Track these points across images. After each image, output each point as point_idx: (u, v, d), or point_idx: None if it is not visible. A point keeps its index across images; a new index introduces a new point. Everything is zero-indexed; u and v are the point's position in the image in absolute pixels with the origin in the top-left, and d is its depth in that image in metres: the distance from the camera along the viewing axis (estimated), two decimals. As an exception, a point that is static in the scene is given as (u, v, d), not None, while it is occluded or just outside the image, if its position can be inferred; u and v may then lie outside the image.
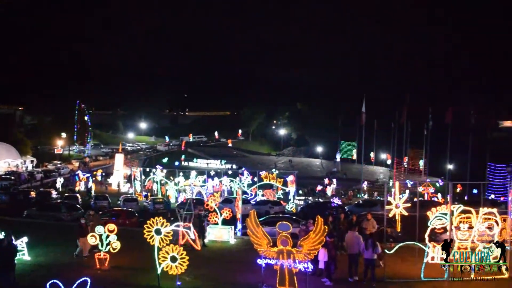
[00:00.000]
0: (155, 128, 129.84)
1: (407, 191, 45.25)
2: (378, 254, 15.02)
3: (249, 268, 15.63)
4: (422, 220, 15.73)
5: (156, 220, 14.49)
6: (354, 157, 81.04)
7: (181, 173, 50.12)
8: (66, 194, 40.20)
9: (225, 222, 22.32)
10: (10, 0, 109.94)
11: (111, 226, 16.33)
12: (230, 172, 56.08)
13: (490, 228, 15.58)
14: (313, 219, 13.79)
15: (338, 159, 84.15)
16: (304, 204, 39.30)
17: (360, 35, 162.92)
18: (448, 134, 53.31)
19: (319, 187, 53.05)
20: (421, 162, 65.50)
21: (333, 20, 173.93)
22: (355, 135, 72.52)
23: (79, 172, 53.20)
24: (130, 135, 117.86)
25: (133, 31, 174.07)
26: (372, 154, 79.53)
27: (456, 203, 19.57)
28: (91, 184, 47.88)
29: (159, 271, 14.23)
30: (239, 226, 23.36)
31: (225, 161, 79.93)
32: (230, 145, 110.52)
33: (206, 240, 20.88)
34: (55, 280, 11.45)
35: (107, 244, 16.24)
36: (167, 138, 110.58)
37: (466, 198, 43.89)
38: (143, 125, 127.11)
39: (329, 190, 51.24)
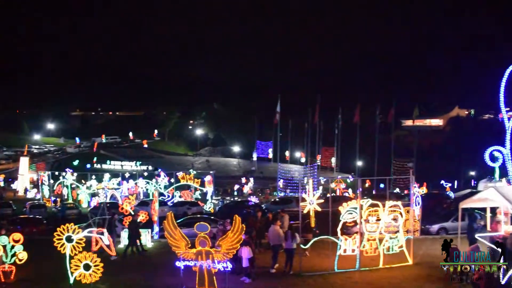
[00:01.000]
0: (64, 129, 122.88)
1: (321, 187, 47.16)
2: (297, 244, 15.93)
3: (167, 271, 15.39)
4: (334, 215, 16.50)
5: (67, 227, 13.76)
6: (270, 156, 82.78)
7: (93, 176, 48.18)
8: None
9: (141, 225, 21.69)
10: None
11: (16, 236, 15.22)
12: (146, 173, 54.73)
13: (395, 219, 16.77)
14: (231, 218, 13.91)
15: (254, 158, 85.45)
16: (222, 204, 39.46)
17: (275, 35, 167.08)
18: (357, 133, 56.35)
19: (237, 186, 53.54)
20: (333, 160, 68.63)
21: (247, 20, 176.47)
22: (271, 134, 74.17)
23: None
24: (36, 137, 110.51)
25: (43, 27, 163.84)
26: (287, 153, 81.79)
27: (365, 197, 20.77)
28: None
29: (71, 281, 13.52)
30: (156, 229, 22.89)
31: (140, 162, 77.93)
32: (145, 146, 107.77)
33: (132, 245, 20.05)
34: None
35: (12, 256, 15.10)
36: (77, 140, 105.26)
37: (374, 192, 46.65)
38: (50, 125, 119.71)
39: (246, 189, 51.89)
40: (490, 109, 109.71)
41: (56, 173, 48.78)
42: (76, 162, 73.33)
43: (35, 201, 39.94)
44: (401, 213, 16.83)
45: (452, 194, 41.69)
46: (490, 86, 13.93)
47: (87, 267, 13.14)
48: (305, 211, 16.73)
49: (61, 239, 13.71)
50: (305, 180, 45.23)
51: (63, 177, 44.87)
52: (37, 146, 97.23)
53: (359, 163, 64.79)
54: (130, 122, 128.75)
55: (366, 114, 66.26)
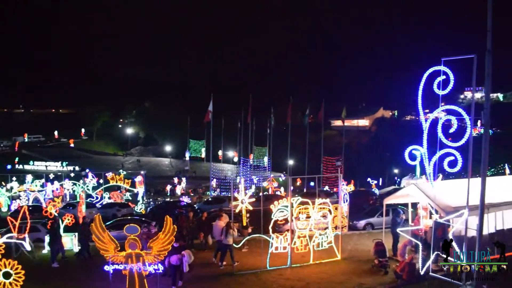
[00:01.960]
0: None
1: (253, 186, 47.60)
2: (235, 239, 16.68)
3: (96, 276, 14.83)
4: (266, 213, 16.73)
5: (-16, 233, 12.83)
6: (203, 155, 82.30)
7: (14, 178, 45.36)
8: None
9: (67, 229, 20.66)
10: None
11: None
12: (72, 174, 52.33)
13: (324, 216, 17.32)
14: (163, 219, 13.65)
15: (187, 158, 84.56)
16: (153, 205, 38.68)
17: (209, 33, 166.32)
18: (289, 132, 57.42)
19: (169, 187, 52.69)
20: (265, 159, 69.50)
21: (180, 17, 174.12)
22: (204, 133, 73.72)
23: None
24: None
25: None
26: (220, 152, 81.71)
27: (296, 195, 21.26)
28: None
29: (-12, 290, 12.60)
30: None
31: (66, 163, 74.48)
32: (72, 145, 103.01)
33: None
34: None
35: None
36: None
37: (305, 190, 47.84)
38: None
39: (179, 189, 51.22)
40: (412, 110, 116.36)
41: (-29, 175, 45.44)
42: (-5, 163, 68.65)
43: None
44: (330, 210, 17.40)
45: (377, 191, 43.75)
46: (411, 88, 14.72)
47: (7, 275, 12.31)
48: (237, 210, 16.84)
49: (-23, 246, 12.74)
50: (238, 179, 45.46)
51: (-20, 179, 41.90)
52: None
53: (291, 162, 66.07)
54: (55, 120, 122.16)
55: (297, 114, 67.83)
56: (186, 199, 37.42)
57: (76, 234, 20.60)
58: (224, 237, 16.50)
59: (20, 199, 37.58)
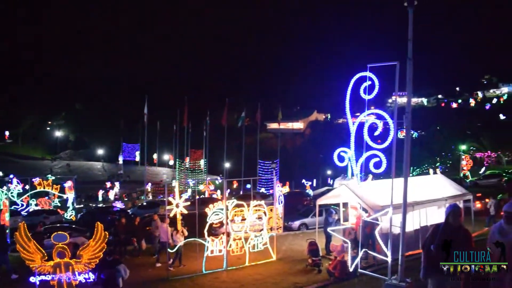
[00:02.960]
0: None
1: (189, 189, 47.20)
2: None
3: None
4: (202, 217, 16.67)
5: None
6: (138, 158, 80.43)
7: None
8: None
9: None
10: None
11: None
12: (-6, 180, 49.01)
13: (260, 218, 17.56)
14: (94, 226, 13.20)
15: (121, 162, 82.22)
16: (84, 211, 37.22)
17: (143, 34, 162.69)
18: (225, 135, 57.53)
19: (102, 192, 50.95)
20: (202, 162, 69.10)
21: (112, 17, 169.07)
22: (138, 136, 72.05)
23: None
24: None
25: None
26: (155, 156, 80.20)
27: (232, 198, 21.35)
28: None
29: None
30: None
31: (-13, 168, 69.75)
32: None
33: None
34: None
35: None
36: None
37: (241, 193, 48.12)
38: None
39: (112, 194, 49.68)
40: (344, 113, 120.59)
41: None
42: None
43: None
44: (265, 212, 17.66)
45: (311, 192, 44.96)
46: (344, 92, 15.34)
47: None
48: (171, 215, 16.64)
49: None
50: (173, 183, 44.87)
51: None
52: None
53: (227, 165, 66.23)
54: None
55: (233, 116, 68.07)
56: (119, 205, 36.38)
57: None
58: (174, 239, 16.80)
59: None
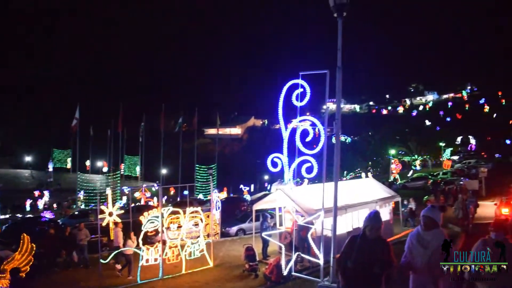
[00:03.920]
0: None
1: (124, 197, 45.87)
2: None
3: None
4: (137, 225, 16.29)
5: None
6: (69, 165, 77.05)
7: None
8: None
9: None
10: None
11: None
12: None
13: (196, 225, 17.41)
14: (20, 237, 12.50)
15: (50, 169, 78.33)
16: (10, 222, 34.97)
17: (80, 35, 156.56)
18: (161, 141, 56.59)
19: (29, 201, 48.22)
20: (137, 168, 67.46)
21: (48, 18, 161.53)
22: (70, 142, 69.08)
23: None
24: None
25: None
26: (88, 162, 77.22)
27: (170, 205, 21.03)
28: None
29: None
30: None
31: None
32: None
33: None
34: None
35: None
36: None
37: (178, 199, 47.46)
38: None
39: (41, 204, 47.21)
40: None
41: None
42: None
43: None
44: (201, 219, 17.55)
45: (249, 197, 45.24)
46: (279, 98, 15.65)
47: None
48: (104, 224, 16.11)
49: None
50: (106, 190, 43.46)
51: None
52: None
53: (164, 171, 65.16)
54: None
55: (170, 122, 67.16)
56: (48, 215, 34.61)
57: None
58: (126, 245, 16.69)
59: None
